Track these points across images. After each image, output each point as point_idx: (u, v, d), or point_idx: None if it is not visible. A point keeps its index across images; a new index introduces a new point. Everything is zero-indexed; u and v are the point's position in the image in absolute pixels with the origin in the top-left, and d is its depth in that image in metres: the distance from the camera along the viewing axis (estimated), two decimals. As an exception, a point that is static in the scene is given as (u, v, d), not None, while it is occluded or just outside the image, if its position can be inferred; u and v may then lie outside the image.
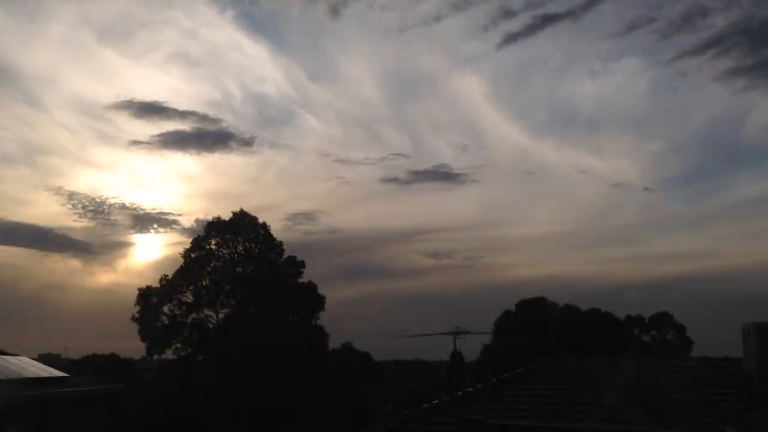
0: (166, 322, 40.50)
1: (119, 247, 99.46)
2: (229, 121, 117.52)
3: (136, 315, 40.19)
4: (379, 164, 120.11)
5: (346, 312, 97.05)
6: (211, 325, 41.25)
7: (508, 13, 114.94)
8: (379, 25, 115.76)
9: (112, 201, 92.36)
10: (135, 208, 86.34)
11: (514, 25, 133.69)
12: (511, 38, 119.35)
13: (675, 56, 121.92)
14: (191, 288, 41.06)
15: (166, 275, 41.02)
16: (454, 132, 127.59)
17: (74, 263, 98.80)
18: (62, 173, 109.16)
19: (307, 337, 39.61)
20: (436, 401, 12.75)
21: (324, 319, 41.76)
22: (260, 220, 42.70)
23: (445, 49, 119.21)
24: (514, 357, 31.39)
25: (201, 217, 78.37)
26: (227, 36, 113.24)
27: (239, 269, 41.79)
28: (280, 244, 42.49)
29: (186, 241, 44.85)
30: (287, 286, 40.92)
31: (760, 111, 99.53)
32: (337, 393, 39.68)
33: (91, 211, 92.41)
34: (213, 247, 41.93)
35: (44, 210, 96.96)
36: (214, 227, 42.06)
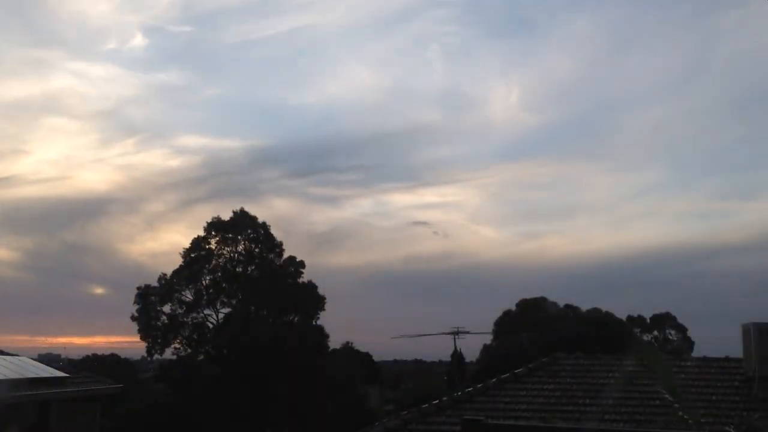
0: (166, 321, 40.51)
1: None
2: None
3: (136, 314, 40.20)
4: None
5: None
6: (211, 325, 41.25)
7: None
8: None
9: None
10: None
11: None
12: None
13: None
14: (191, 287, 41.05)
15: (165, 274, 41.02)
16: None
17: None
18: None
19: (307, 336, 39.61)
20: (436, 401, 12.75)
21: (324, 318, 41.81)
22: (260, 220, 42.76)
23: None
24: (514, 357, 31.44)
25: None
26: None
27: (239, 269, 41.77)
28: (280, 243, 42.52)
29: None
30: (287, 285, 40.92)
31: None
32: (337, 393, 39.69)
33: None
34: (213, 246, 41.92)
35: None
36: (213, 227, 42.04)
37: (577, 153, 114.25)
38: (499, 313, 52.47)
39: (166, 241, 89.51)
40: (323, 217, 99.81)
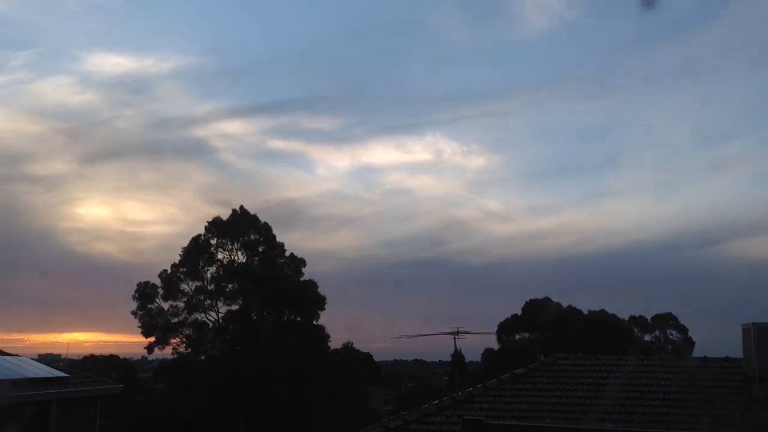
0: (167, 320, 40.51)
1: None
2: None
3: (137, 311, 40.20)
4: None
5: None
6: (211, 324, 41.26)
7: None
8: None
9: None
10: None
11: None
12: None
13: None
14: (191, 287, 41.08)
15: (165, 270, 41.00)
16: None
17: None
18: None
19: (307, 336, 39.60)
20: (436, 401, 12.73)
21: (324, 318, 41.80)
22: (261, 219, 42.80)
23: None
24: (516, 357, 31.50)
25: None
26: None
27: (240, 268, 41.76)
28: (282, 244, 42.54)
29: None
30: (288, 284, 40.91)
31: None
32: (338, 393, 39.67)
33: None
34: (213, 245, 41.93)
35: None
36: (214, 226, 42.07)
37: (634, 71, 73.20)
38: (500, 313, 52.63)
39: (91, 218, 67.35)
40: (283, 180, 75.76)
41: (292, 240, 60.20)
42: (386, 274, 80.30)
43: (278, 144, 79.16)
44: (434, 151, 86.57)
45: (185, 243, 41.79)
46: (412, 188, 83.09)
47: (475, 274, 79.29)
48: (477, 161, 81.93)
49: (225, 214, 42.42)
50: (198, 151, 69.25)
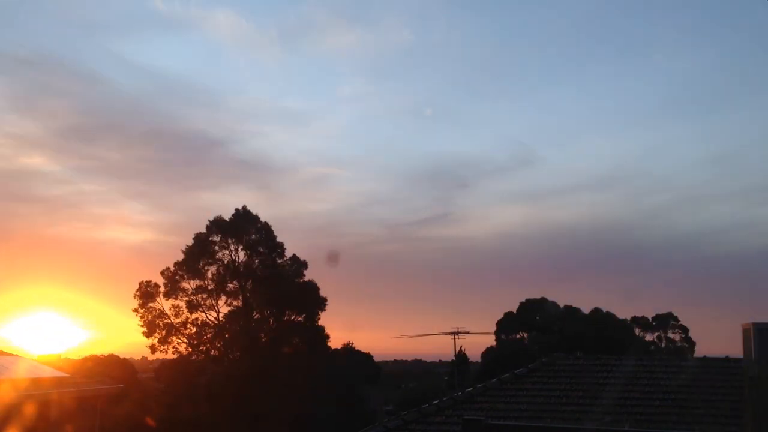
0: (168, 320, 40.53)
1: None
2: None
3: (138, 309, 40.22)
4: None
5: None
6: (212, 324, 41.26)
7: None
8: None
9: None
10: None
11: None
12: None
13: None
14: (192, 286, 41.08)
15: (168, 268, 41.00)
16: None
17: None
18: None
19: (308, 337, 39.62)
20: (436, 401, 12.75)
21: (325, 318, 41.82)
22: (262, 219, 42.82)
23: None
24: (516, 357, 31.55)
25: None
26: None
27: (241, 268, 41.78)
28: (282, 244, 42.55)
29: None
30: (289, 285, 40.91)
31: None
32: (338, 393, 39.69)
33: None
34: (215, 245, 41.93)
35: None
36: (215, 226, 42.08)
37: None
38: (505, 305, 52.29)
39: None
40: (190, 96, 58.67)
41: (214, 203, 42.66)
42: (360, 251, 61.07)
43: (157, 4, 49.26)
44: (415, 28, 57.19)
45: (67, 204, 39.12)
46: (387, 126, 54.37)
47: (475, 256, 62.80)
48: (482, 52, 54.03)
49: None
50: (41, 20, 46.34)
